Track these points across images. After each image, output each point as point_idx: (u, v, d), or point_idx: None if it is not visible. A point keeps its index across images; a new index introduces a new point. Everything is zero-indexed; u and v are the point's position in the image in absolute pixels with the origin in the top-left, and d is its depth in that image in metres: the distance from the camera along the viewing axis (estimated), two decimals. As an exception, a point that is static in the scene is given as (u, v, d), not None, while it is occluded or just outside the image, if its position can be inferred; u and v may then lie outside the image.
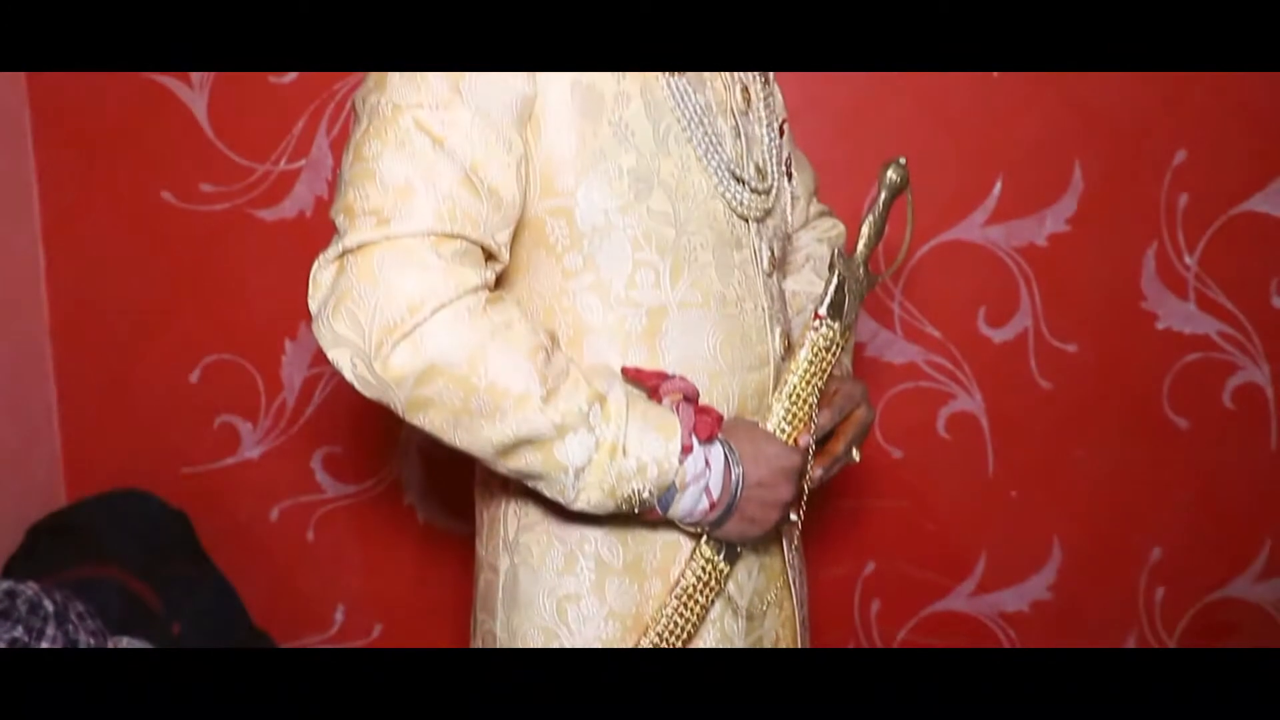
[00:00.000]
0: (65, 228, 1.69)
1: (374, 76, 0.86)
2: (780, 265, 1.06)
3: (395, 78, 0.84)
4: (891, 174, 1.02)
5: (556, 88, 0.88)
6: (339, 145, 1.64)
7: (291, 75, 1.63)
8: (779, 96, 1.20)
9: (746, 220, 0.99)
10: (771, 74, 1.19)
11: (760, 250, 1.00)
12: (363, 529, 1.76)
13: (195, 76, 1.64)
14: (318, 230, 1.67)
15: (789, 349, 1.03)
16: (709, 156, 0.94)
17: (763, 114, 1.04)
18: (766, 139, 1.04)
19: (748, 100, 1.02)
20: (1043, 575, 1.74)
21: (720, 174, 0.95)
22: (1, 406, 1.62)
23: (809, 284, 1.21)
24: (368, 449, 1.74)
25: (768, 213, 1.01)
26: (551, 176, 0.89)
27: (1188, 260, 1.66)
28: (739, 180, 0.97)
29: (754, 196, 0.99)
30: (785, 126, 1.15)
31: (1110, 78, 1.61)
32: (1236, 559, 1.74)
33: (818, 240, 1.27)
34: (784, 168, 1.08)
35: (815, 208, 1.29)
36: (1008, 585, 1.75)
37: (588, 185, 0.90)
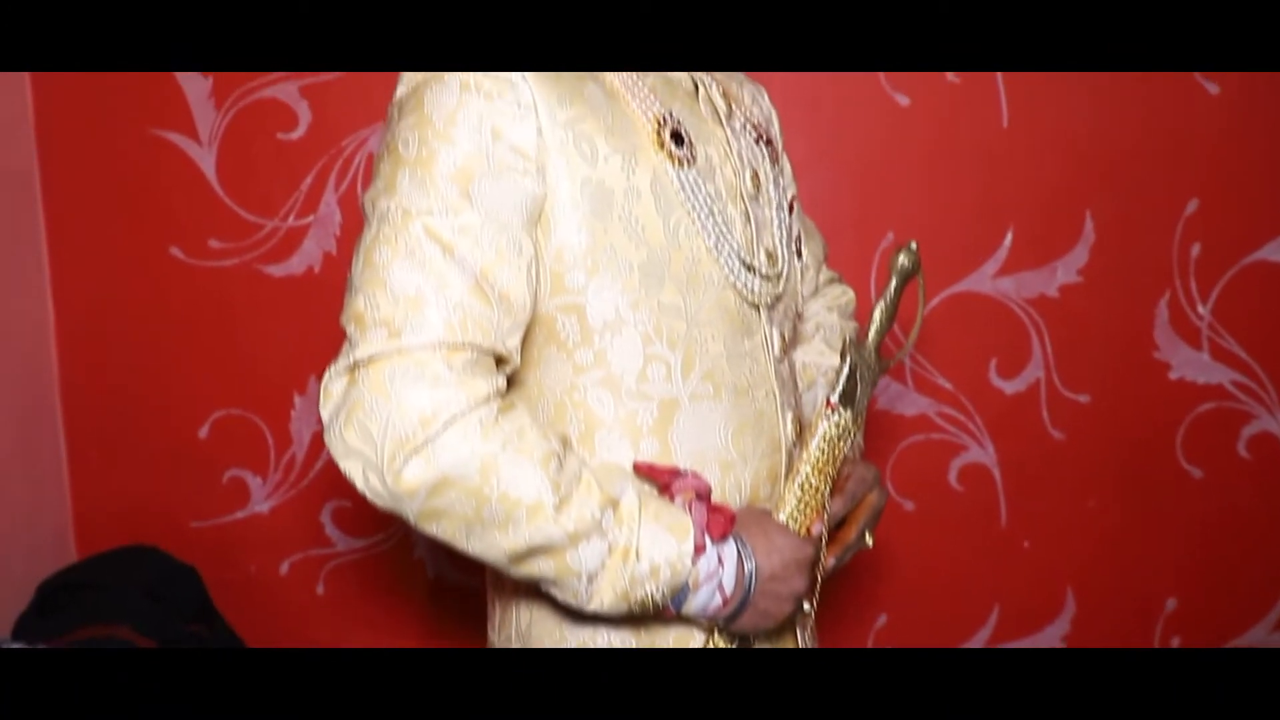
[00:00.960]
0: (75, 283, 1.69)
1: (384, 177, 0.86)
2: (791, 348, 1.05)
3: (405, 181, 0.84)
4: (903, 260, 1.01)
5: (566, 186, 0.87)
6: (347, 201, 1.64)
7: (300, 131, 1.63)
8: (788, 171, 1.20)
9: (758, 308, 0.98)
10: (781, 148, 1.19)
11: (771, 336, 1.00)
12: (373, 583, 1.75)
13: (204, 133, 1.64)
14: (327, 286, 1.67)
15: (801, 434, 1.02)
16: (720, 247, 0.94)
17: (772, 195, 1.04)
18: (776, 220, 1.03)
19: (758, 185, 1.01)
20: (1056, 626, 1.73)
21: (731, 264, 0.95)
22: (11, 463, 1.62)
23: (819, 355, 1.20)
24: (377, 503, 1.73)
25: (778, 298, 1.01)
26: (562, 274, 0.89)
27: (1201, 310, 1.65)
28: (749, 268, 0.96)
29: (765, 283, 0.98)
30: (795, 203, 1.14)
31: (1120, 128, 1.60)
32: (1252, 609, 1.72)
33: (827, 309, 1.26)
34: (794, 246, 1.08)
35: (825, 275, 1.29)
36: (1021, 636, 1.74)
37: (598, 282, 0.89)
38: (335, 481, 1.73)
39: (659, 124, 0.93)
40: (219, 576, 1.71)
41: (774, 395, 0.99)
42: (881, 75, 1.59)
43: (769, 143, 1.07)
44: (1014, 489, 1.70)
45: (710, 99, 1.01)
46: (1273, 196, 1.62)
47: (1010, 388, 1.67)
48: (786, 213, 1.06)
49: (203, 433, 1.72)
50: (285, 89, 1.62)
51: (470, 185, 0.83)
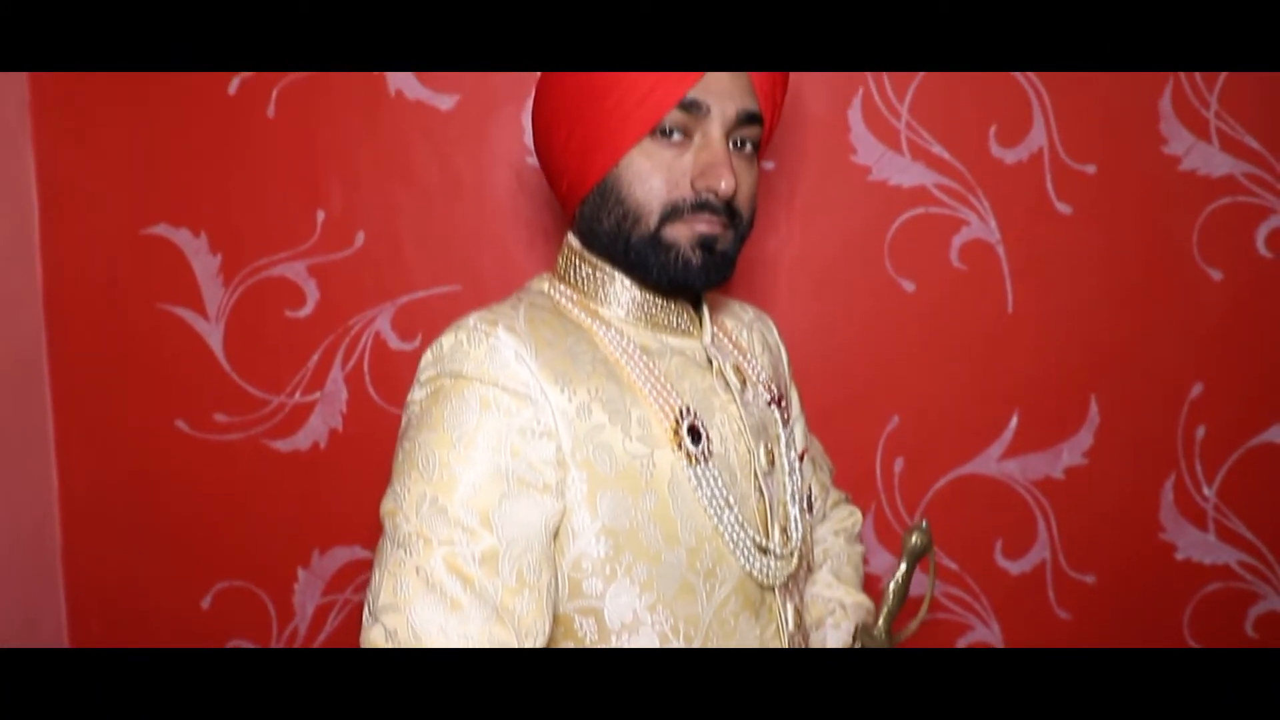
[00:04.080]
0: (79, 454, 1.68)
1: (404, 495, 0.85)
2: (804, 621, 1.05)
3: (426, 507, 0.83)
4: (916, 540, 1.01)
5: (585, 500, 0.88)
6: (353, 379, 1.64)
7: (307, 309, 1.64)
8: (796, 406, 1.20)
9: (773, 588, 0.98)
10: (790, 377, 1.19)
11: (786, 614, 1.00)
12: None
13: (212, 309, 1.64)
14: (332, 462, 1.66)
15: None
16: (736, 540, 0.94)
17: (785, 463, 1.04)
18: (789, 488, 1.03)
19: (772, 461, 1.01)
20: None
21: (747, 553, 0.95)
22: (13, 632, 1.60)
23: (826, 587, 1.20)
24: (380, 677, 1.72)
25: (792, 575, 1.01)
26: (580, 581, 0.89)
27: (1206, 491, 1.65)
28: (764, 551, 0.96)
29: (779, 563, 0.98)
30: (805, 455, 1.15)
31: (1124, 313, 1.61)
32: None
33: (834, 533, 1.26)
34: (805, 503, 1.08)
35: (833, 496, 1.29)
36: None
37: (616, 588, 0.89)
38: (338, 655, 1.71)
39: (677, 421, 0.93)
40: (219, 750, 1.69)
41: (787, 672, 0.99)
42: (887, 261, 1.61)
43: (780, 402, 1.08)
44: (1021, 668, 1.69)
45: (723, 373, 1.01)
46: (1276, 380, 1.63)
47: (1016, 568, 1.67)
48: (798, 474, 1.06)
49: (205, 603, 1.71)
50: (293, 267, 1.63)
51: (490, 511, 0.83)
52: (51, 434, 1.69)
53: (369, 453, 1.66)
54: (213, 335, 1.66)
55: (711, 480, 0.93)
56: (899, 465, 1.64)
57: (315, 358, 1.65)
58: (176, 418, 1.68)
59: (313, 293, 1.64)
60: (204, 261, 1.64)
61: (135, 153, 1.62)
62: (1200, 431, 1.64)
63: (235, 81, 1.60)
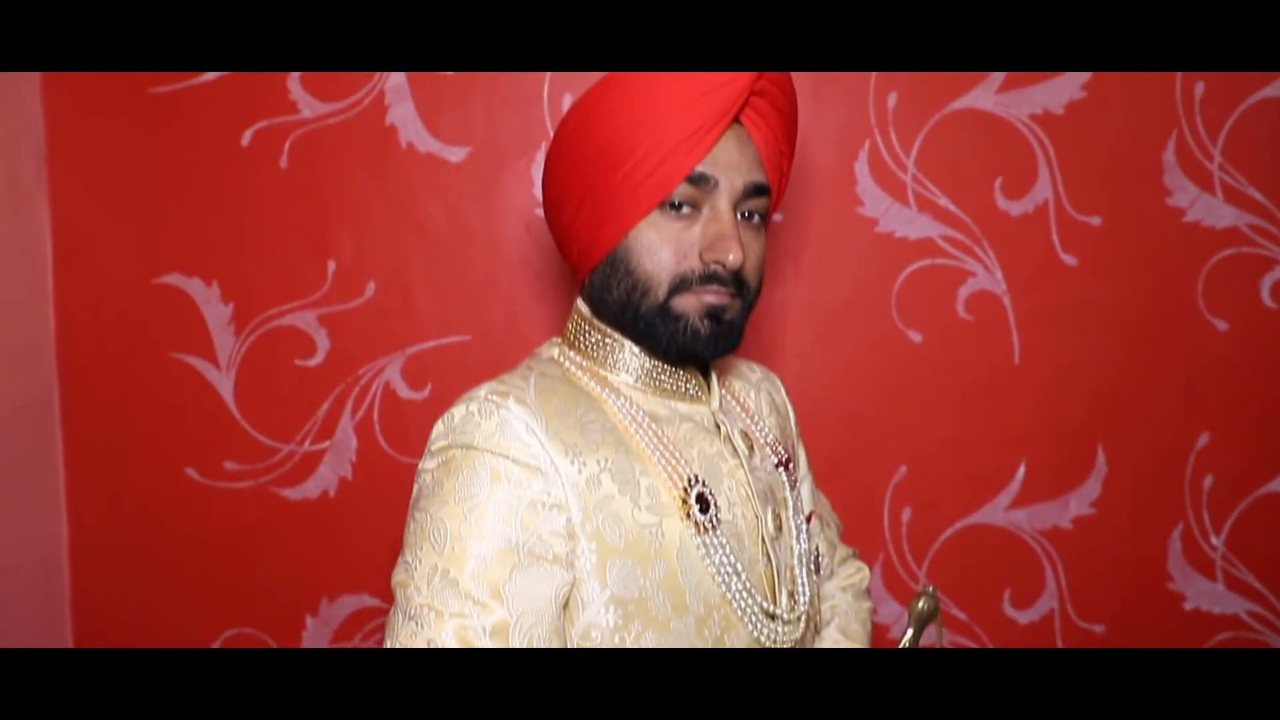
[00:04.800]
0: (90, 501, 1.69)
1: (415, 567, 0.86)
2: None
3: (437, 580, 0.84)
4: (923, 606, 1.02)
5: (595, 570, 0.88)
6: (363, 428, 1.65)
7: (318, 358, 1.65)
8: (804, 463, 1.21)
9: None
10: (797, 436, 1.20)
11: (793, 678, 1.00)
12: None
13: (223, 358, 1.66)
14: (341, 510, 1.67)
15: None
16: (744, 609, 0.94)
17: (793, 526, 1.05)
18: (796, 551, 1.04)
19: (779, 526, 1.02)
20: None
21: (755, 621, 0.95)
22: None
23: (834, 644, 1.20)
24: (387, 725, 1.72)
25: (799, 640, 1.01)
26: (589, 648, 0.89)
27: (1214, 541, 1.65)
28: (772, 617, 0.97)
29: (786, 628, 0.99)
30: (812, 515, 1.15)
31: (1131, 363, 1.62)
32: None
33: (841, 589, 1.26)
34: (812, 565, 1.08)
35: (840, 552, 1.29)
36: None
37: (624, 658, 0.90)
38: (345, 703, 1.71)
39: (685, 490, 0.94)
40: (226, 798, 1.69)
41: (796, 738, 0.99)
42: (894, 312, 1.62)
43: (787, 465, 1.08)
44: None
45: (731, 439, 1.02)
46: (1283, 430, 1.64)
47: (1024, 618, 1.67)
48: (805, 537, 1.07)
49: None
50: (304, 317, 1.64)
51: (501, 584, 0.84)
52: (62, 481, 1.70)
53: (378, 501, 1.66)
54: (224, 384, 1.67)
55: (720, 548, 0.94)
56: (906, 515, 1.65)
57: (325, 406, 1.66)
58: (187, 465, 1.69)
59: (323, 342, 1.65)
60: (215, 310, 1.66)
61: (148, 203, 1.64)
62: (1207, 481, 1.64)
63: (248, 133, 1.62)
